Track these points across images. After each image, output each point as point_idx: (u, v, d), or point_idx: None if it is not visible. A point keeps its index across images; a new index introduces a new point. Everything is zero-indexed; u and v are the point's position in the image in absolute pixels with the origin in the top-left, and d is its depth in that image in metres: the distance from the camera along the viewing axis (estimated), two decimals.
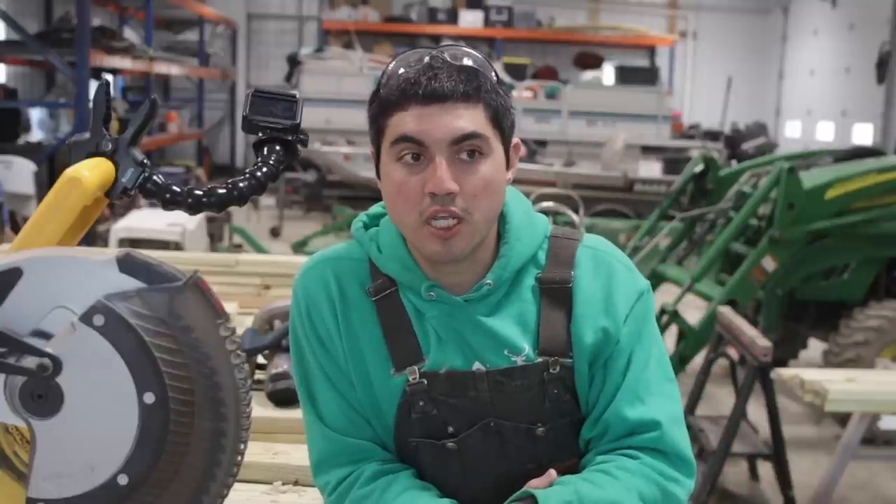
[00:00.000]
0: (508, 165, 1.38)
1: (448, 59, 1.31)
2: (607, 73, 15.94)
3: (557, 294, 1.39)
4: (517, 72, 13.55)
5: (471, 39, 14.73)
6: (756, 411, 4.35)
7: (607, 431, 1.39)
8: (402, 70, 1.32)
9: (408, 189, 1.30)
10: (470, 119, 1.29)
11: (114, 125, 1.37)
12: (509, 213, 1.41)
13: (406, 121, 1.29)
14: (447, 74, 1.29)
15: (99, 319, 1.15)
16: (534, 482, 1.34)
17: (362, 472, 1.40)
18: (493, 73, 1.35)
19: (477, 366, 1.37)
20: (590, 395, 1.40)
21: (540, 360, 1.37)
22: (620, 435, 1.38)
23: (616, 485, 1.32)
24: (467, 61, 1.32)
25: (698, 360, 4.88)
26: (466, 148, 1.29)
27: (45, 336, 1.17)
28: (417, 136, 1.28)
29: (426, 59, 1.31)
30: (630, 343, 1.39)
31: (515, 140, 1.39)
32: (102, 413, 1.16)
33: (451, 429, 1.39)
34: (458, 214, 1.30)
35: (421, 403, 1.38)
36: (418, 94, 1.28)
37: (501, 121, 1.33)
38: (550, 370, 1.37)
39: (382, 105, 1.32)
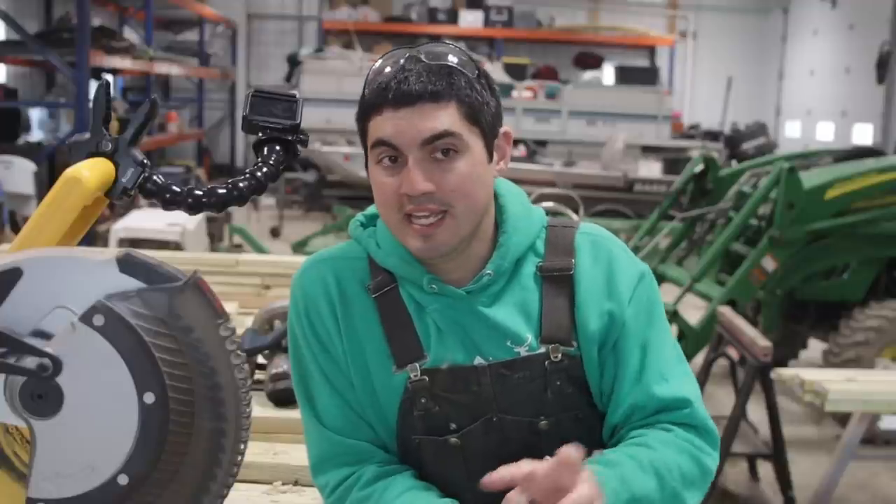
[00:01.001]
0: (494, 158, 1.38)
1: (423, 58, 1.32)
2: (607, 73, 15.94)
3: (559, 281, 1.40)
4: (517, 72, 13.54)
5: (471, 39, 14.75)
6: (756, 411, 4.35)
7: (637, 412, 1.39)
8: (387, 69, 1.33)
9: (387, 190, 1.33)
10: (441, 118, 1.30)
11: (114, 125, 1.37)
12: (506, 204, 1.43)
13: (380, 125, 1.31)
14: (416, 76, 1.30)
15: (99, 319, 1.15)
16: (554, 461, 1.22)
17: (361, 474, 1.40)
18: (474, 69, 1.35)
19: (478, 360, 1.38)
20: (602, 382, 1.41)
21: (542, 349, 1.38)
22: (651, 412, 1.39)
23: (655, 461, 1.33)
24: (450, 58, 1.33)
25: (698, 360, 4.88)
26: (440, 147, 1.31)
27: (45, 336, 1.17)
28: (390, 139, 1.31)
29: (402, 60, 1.33)
30: (639, 324, 1.40)
31: (504, 129, 1.40)
32: (102, 413, 1.16)
33: (453, 425, 1.39)
34: (438, 210, 1.31)
35: (423, 400, 1.38)
36: (388, 99, 1.30)
37: (478, 116, 1.34)
38: (552, 358, 1.37)
39: (362, 109, 1.35)
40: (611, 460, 1.33)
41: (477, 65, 1.36)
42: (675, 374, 1.41)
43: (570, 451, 1.20)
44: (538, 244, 1.43)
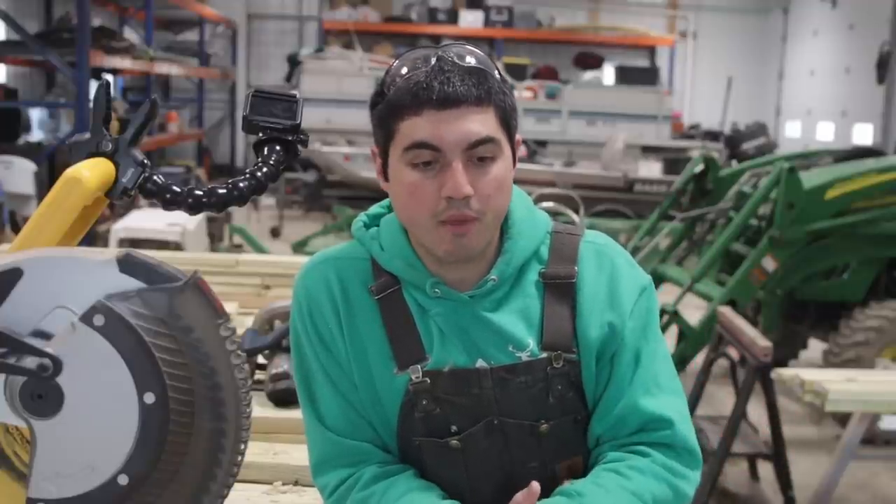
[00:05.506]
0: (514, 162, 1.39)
1: (455, 60, 1.31)
2: (607, 73, 15.94)
3: (561, 289, 1.40)
4: (517, 72, 13.54)
5: (471, 39, 14.67)
6: (756, 411, 4.35)
7: (620, 425, 1.40)
8: (406, 70, 1.31)
9: (422, 192, 1.31)
10: (483, 123, 1.30)
11: (114, 125, 1.37)
12: (511, 209, 1.42)
13: (420, 126, 1.29)
14: (459, 78, 1.28)
15: (99, 319, 1.15)
16: (518, 497, 1.33)
17: (361, 475, 1.40)
18: (497, 72, 1.35)
19: (480, 363, 1.38)
20: (595, 390, 1.41)
21: (544, 355, 1.38)
22: (633, 430, 1.39)
23: (627, 487, 1.34)
24: (471, 60, 1.32)
25: (698, 360, 4.88)
26: (480, 152, 1.30)
27: (46, 336, 1.17)
28: (433, 141, 1.29)
29: (433, 60, 1.31)
30: (635, 337, 1.40)
31: (518, 137, 1.40)
32: (102, 413, 1.16)
33: (454, 427, 1.39)
34: (473, 217, 1.31)
35: (424, 402, 1.38)
36: (432, 99, 1.27)
37: (509, 121, 1.34)
38: (554, 365, 1.37)
39: (392, 108, 1.31)
40: (576, 490, 1.34)
41: (497, 68, 1.36)
42: (663, 391, 1.41)
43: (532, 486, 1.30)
44: (542, 250, 1.43)
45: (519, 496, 1.33)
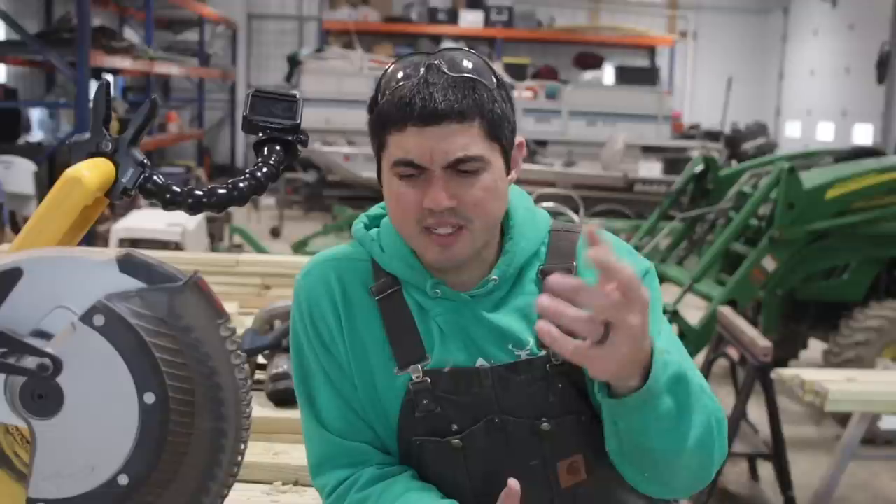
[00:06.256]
0: (511, 168, 1.38)
1: (445, 70, 1.31)
2: (607, 73, 15.95)
3: None
4: (517, 72, 13.55)
5: (471, 39, 14.73)
6: (756, 411, 4.35)
7: None
8: (399, 75, 1.32)
9: (406, 200, 1.32)
10: (465, 140, 1.30)
11: (114, 125, 1.37)
12: (512, 209, 1.43)
13: (403, 143, 1.30)
14: (442, 93, 1.29)
15: (99, 319, 1.15)
16: (503, 496, 1.29)
17: (360, 476, 1.40)
18: (494, 77, 1.34)
19: (481, 362, 1.38)
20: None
21: (543, 352, 1.38)
22: None
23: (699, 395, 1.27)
24: (466, 64, 1.32)
25: (698, 360, 4.88)
26: (463, 167, 1.31)
27: (46, 336, 1.17)
28: (415, 160, 1.30)
29: (422, 69, 1.31)
30: None
31: (519, 139, 1.40)
32: (102, 413, 1.16)
33: (455, 426, 1.39)
34: (457, 223, 1.32)
35: (425, 402, 1.38)
36: (413, 116, 1.29)
37: (499, 132, 1.34)
38: (553, 361, 1.37)
39: (381, 119, 1.33)
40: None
41: (494, 73, 1.36)
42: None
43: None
44: (542, 249, 1.44)
45: (503, 496, 1.29)
